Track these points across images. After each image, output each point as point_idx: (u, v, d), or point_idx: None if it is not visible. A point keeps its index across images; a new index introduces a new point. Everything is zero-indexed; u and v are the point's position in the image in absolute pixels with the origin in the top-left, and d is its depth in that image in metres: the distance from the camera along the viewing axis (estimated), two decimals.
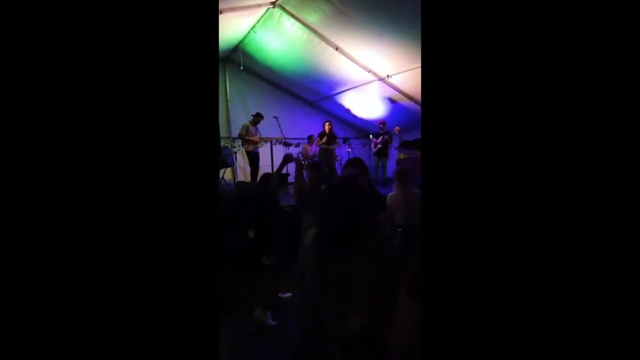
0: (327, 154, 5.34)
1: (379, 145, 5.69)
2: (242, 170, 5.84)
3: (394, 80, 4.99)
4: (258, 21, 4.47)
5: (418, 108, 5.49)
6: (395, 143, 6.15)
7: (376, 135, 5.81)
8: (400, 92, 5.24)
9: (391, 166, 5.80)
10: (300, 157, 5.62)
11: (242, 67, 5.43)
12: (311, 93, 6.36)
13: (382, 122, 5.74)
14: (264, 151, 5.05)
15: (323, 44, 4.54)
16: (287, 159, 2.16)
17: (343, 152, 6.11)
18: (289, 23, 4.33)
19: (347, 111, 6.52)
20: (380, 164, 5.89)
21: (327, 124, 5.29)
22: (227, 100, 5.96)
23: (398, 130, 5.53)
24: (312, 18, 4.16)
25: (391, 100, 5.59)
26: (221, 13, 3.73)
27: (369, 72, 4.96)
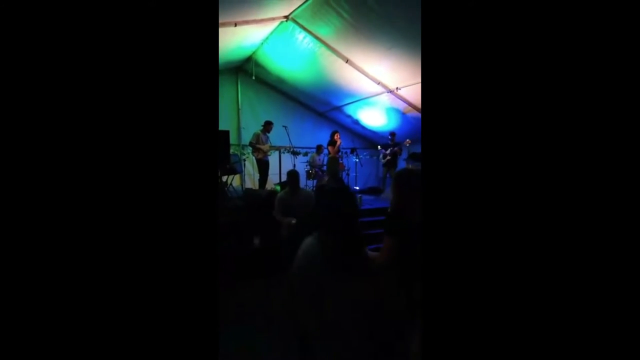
0: (334, 164, 5.35)
1: (388, 157, 5.68)
2: (250, 177, 5.90)
3: (403, 92, 5.03)
4: (271, 33, 4.60)
5: None
6: (405, 155, 6.14)
7: (385, 147, 5.81)
8: (409, 104, 5.27)
9: None
10: (308, 167, 5.66)
11: (254, 77, 5.56)
12: (320, 104, 6.45)
13: (392, 133, 5.74)
14: (272, 159, 5.11)
15: (334, 56, 4.64)
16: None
17: (350, 162, 6.13)
18: (301, 36, 4.44)
19: (356, 122, 6.56)
20: (388, 175, 5.87)
21: (337, 134, 5.30)
22: (238, 109, 6.09)
23: (409, 143, 5.53)
24: (323, 31, 4.26)
25: (400, 113, 5.61)
26: (236, 25, 3.86)
27: (378, 84, 5.02)
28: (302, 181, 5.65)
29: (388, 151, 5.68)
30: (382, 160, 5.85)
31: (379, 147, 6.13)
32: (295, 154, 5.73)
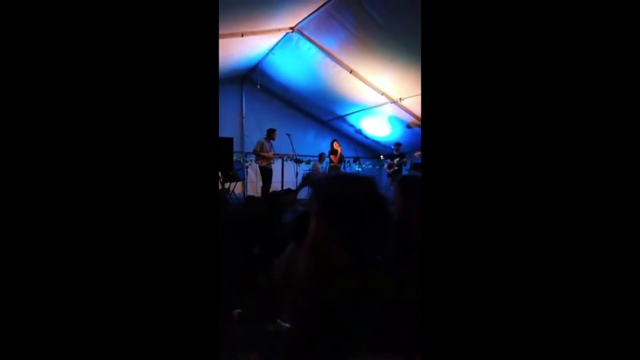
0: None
1: (395, 167, 5.68)
2: (252, 184, 5.92)
3: (406, 103, 5.08)
4: (277, 44, 4.69)
5: None
6: (408, 165, 6.15)
7: (391, 157, 5.82)
8: (412, 115, 5.32)
9: None
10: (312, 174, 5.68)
11: (259, 86, 5.64)
12: (324, 112, 6.51)
13: (398, 144, 5.76)
14: (274, 167, 5.13)
15: (338, 66, 4.70)
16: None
17: (353, 171, 6.14)
18: (306, 46, 4.52)
19: (358, 131, 6.61)
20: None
21: (336, 142, 5.35)
22: (242, 117, 6.15)
23: (419, 154, 5.52)
24: (328, 42, 4.34)
25: (403, 123, 5.65)
26: (242, 36, 3.94)
27: (382, 94, 5.07)
28: (304, 189, 5.66)
29: (395, 161, 5.69)
30: (389, 171, 5.86)
31: (381, 157, 6.15)
32: (298, 162, 5.76)
